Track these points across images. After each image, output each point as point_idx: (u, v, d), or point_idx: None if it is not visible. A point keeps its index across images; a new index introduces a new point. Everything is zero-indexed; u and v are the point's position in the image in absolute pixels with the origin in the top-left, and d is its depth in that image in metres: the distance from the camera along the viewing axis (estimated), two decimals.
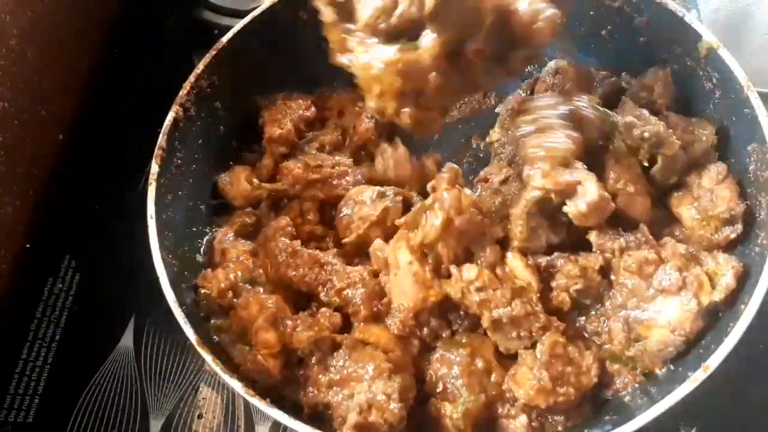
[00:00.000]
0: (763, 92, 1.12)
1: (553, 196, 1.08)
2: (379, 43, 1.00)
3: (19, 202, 1.25)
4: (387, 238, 1.16)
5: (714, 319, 1.04)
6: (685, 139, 1.16)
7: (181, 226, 1.19)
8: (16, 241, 1.26)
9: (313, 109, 1.35)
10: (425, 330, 1.10)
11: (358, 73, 1.02)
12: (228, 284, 1.13)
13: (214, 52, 1.26)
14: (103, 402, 1.25)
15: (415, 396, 1.05)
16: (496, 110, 1.40)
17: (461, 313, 1.09)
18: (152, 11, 1.60)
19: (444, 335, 1.09)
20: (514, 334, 1.06)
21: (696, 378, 0.95)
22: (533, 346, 1.05)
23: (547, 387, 1.01)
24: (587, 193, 1.07)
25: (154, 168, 1.16)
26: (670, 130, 1.15)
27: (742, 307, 0.99)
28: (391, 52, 0.99)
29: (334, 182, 1.26)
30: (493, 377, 1.06)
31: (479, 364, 1.06)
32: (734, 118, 1.15)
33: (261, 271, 1.16)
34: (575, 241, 1.13)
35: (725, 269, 1.05)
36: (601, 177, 1.12)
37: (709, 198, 1.14)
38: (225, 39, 1.27)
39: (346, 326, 1.12)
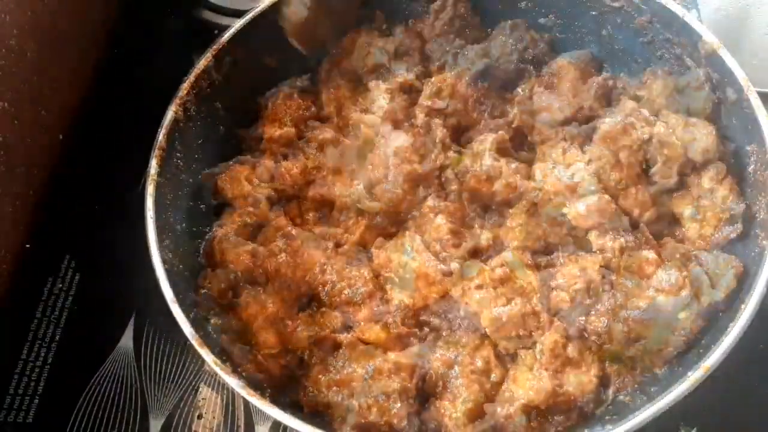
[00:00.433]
0: (763, 92, 1.12)
1: (552, 196, 1.08)
2: None
3: (19, 202, 1.25)
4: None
5: (714, 318, 1.04)
6: (685, 139, 1.16)
7: (181, 226, 1.19)
8: (16, 241, 1.26)
9: (313, 108, 1.35)
10: (425, 329, 1.10)
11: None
12: (228, 284, 1.14)
13: (214, 52, 1.26)
14: (103, 402, 1.25)
15: (415, 396, 1.05)
16: None
17: (461, 312, 1.09)
18: (152, 11, 1.60)
19: (444, 335, 1.10)
20: (513, 334, 1.06)
21: (696, 378, 0.95)
22: (533, 346, 1.06)
23: (547, 387, 1.01)
24: (588, 193, 1.07)
25: (154, 168, 1.16)
26: (670, 130, 1.15)
27: (742, 306, 0.99)
28: None
29: None
30: (493, 377, 1.06)
31: (479, 363, 1.06)
32: (734, 119, 1.16)
33: (261, 271, 1.16)
34: (575, 241, 1.13)
35: (725, 269, 1.05)
36: (601, 177, 1.12)
37: (708, 198, 1.14)
38: (225, 39, 1.28)
39: (346, 326, 1.12)
